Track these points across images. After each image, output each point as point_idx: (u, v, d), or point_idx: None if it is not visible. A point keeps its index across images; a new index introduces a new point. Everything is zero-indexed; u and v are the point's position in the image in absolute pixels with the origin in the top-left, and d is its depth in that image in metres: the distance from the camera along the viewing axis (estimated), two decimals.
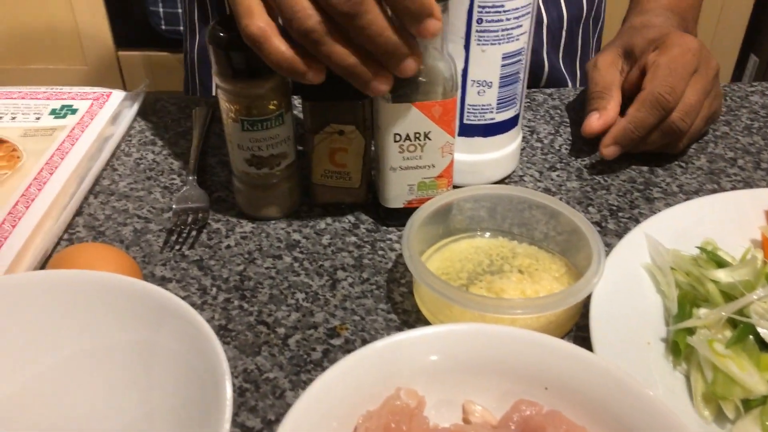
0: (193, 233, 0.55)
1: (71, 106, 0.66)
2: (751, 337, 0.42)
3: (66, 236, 0.55)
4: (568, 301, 0.43)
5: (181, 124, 0.69)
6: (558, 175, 0.62)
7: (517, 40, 0.53)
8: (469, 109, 0.55)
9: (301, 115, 0.59)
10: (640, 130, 0.60)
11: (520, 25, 0.52)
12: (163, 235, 0.55)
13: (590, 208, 0.58)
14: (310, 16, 0.42)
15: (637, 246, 0.50)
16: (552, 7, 0.76)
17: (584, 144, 0.66)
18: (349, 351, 0.46)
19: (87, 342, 0.41)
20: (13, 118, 0.64)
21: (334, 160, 0.55)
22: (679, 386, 0.42)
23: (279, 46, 0.43)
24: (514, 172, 0.62)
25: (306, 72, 0.44)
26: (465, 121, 0.56)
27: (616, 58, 0.66)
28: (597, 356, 0.39)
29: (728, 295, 0.45)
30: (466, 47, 0.52)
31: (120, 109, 0.67)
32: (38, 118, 0.64)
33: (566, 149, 0.65)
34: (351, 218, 0.57)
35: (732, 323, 0.43)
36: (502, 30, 0.51)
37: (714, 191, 0.60)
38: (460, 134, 0.56)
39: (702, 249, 0.49)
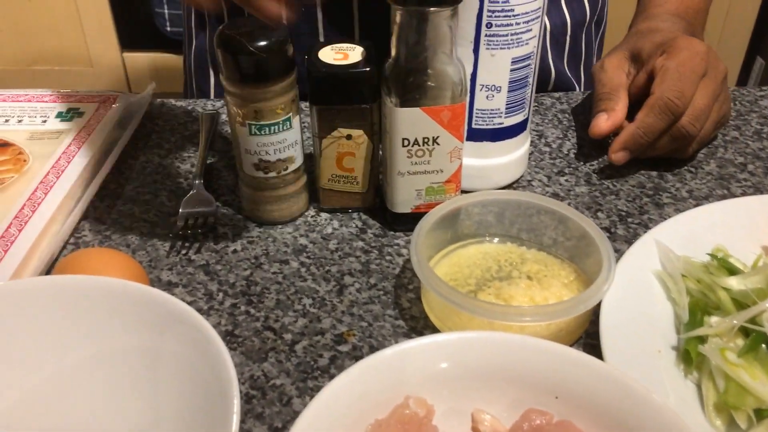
0: (200, 237, 0.55)
1: (78, 109, 0.66)
2: (763, 346, 0.42)
3: (72, 240, 0.55)
4: (578, 308, 0.43)
5: (187, 127, 0.69)
6: (566, 180, 0.62)
7: (527, 44, 0.52)
8: (477, 113, 0.55)
9: (308, 120, 0.59)
10: (650, 135, 0.59)
11: (530, 29, 0.52)
12: (169, 239, 0.55)
13: (599, 214, 0.58)
14: None
15: (647, 252, 0.49)
16: (555, 14, 0.75)
17: (593, 148, 0.65)
18: (356, 357, 0.45)
19: (93, 348, 0.41)
20: (20, 121, 0.64)
21: (341, 164, 0.54)
22: (690, 395, 0.42)
23: None
24: (522, 176, 0.62)
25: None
26: (473, 126, 0.56)
27: (623, 61, 0.65)
28: (608, 365, 0.39)
29: (740, 303, 0.44)
30: (475, 51, 0.52)
31: (126, 112, 0.67)
32: (44, 121, 0.64)
33: (574, 153, 0.65)
34: (358, 223, 0.57)
35: (744, 332, 0.43)
36: (512, 34, 0.51)
37: (724, 197, 0.59)
38: (469, 139, 0.56)
39: (713, 256, 0.48)
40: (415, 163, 0.52)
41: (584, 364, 0.38)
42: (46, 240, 0.52)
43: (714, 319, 0.44)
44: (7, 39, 2.02)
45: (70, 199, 0.56)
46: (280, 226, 0.56)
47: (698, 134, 0.60)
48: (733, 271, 0.47)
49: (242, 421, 0.42)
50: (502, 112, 0.55)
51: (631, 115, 0.61)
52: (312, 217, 0.57)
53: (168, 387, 0.39)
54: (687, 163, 0.64)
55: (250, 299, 0.50)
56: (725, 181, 0.61)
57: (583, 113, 0.71)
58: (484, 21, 0.50)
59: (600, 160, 0.64)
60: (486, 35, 0.51)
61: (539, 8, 0.51)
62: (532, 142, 0.66)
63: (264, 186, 0.54)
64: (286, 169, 0.54)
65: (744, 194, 0.60)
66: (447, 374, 0.39)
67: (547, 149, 0.66)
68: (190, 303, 0.49)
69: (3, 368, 0.40)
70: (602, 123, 0.61)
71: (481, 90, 0.54)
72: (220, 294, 0.50)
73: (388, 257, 0.53)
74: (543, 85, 0.78)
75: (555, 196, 0.60)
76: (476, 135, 0.56)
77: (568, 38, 0.78)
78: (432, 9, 0.46)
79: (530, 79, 0.55)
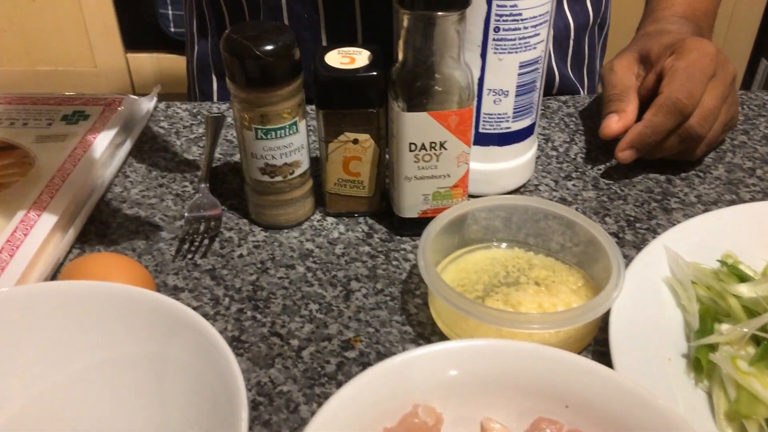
0: (206, 242, 0.55)
1: (83, 111, 0.66)
2: None
3: (78, 244, 0.55)
4: (588, 316, 0.42)
5: (193, 130, 0.69)
6: (574, 185, 0.61)
7: (534, 48, 0.52)
8: (485, 117, 0.55)
9: (314, 123, 0.58)
10: (657, 134, 0.59)
11: (538, 34, 0.51)
12: (175, 243, 0.55)
13: (607, 219, 0.57)
14: None
15: (656, 258, 0.49)
16: (558, 17, 0.75)
17: (600, 152, 0.65)
18: (363, 364, 0.45)
19: (99, 354, 0.41)
20: (25, 124, 0.64)
21: (348, 168, 0.54)
22: (701, 404, 0.41)
23: None
24: (529, 181, 0.61)
25: None
26: (480, 130, 0.55)
27: (632, 62, 0.65)
28: (618, 373, 0.39)
29: (750, 310, 0.44)
30: (483, 56, 0.52)
31: (132, 114, 0.67)
32: (50, 124, 0.64)
33: (582, 158, 0.65)
34: (365, 228, 0.56)
35: (755, 340, 0.42)
36: (520, 38, 0.51)
37: (732, 202, 0.59)
38: (476, 143, 0.56)
39: (723, 262, 0.48)
40: (422, 168, 0.51)
41: (594, 372, 0.38)
42: (52, 244, 0.52)
43: (725, 327, 0.43)
44: (11, 39, 2.03)
45: (75, 202, 0.56)
46: (286, 231, 0.56)
47: (706, 135, 0.60)
48: (743, 278, 0.46)
49: (249, 428, 0.41)
50: (509, 117, 0.55)
51: (640, 117, 0.61)
52: (318, 221, 0.57)
53: (175, 394, 0.39)
54: (695, 167, 0.63)
55: (256, 304, 0.50)
56: (734, 186, 0.61)
57: (590, 117, 0.70)
58: (492, 25, 0.50)
59: (607, 164, 0.64)
60: (494, 39, 0.51)
61: (547, 12, 0.51)
62: (538, 146, 0.65)
63: (270, 190, 0.54)
64: (293, 173, 0.53)
65: (753, 199, 0.59)
66: (456, 382, 0.38)
67: (554, 153, 0.65)
68: (196, 308, 0.49)
69: (9, 375, 0.40)
70: (613, 124, 0.60)
71: (488, 94, 0.54)
72: (227, 299, 0.50)
73: (394, 262, 0.53)
74: (547, 89, 0.77)
75: (562, 200, 0.60)
76: (483, 139, 0.56)
77: (571, 42, 0.78)
78: (440, 13, 0.46)
79: (538, 84, 0.55)
